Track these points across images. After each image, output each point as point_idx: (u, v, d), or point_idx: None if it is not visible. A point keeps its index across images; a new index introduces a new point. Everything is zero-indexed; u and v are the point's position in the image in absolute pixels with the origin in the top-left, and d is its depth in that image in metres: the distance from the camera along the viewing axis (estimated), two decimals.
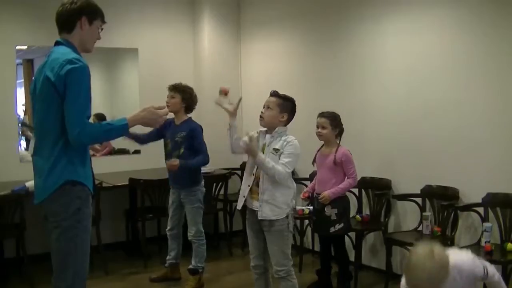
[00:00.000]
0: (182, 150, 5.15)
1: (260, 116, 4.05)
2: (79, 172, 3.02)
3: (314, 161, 4.92)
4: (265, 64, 6.89)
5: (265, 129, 4.07)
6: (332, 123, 4.81)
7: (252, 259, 4.15)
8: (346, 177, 4.82)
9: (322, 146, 4.96)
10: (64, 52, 3.03)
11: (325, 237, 5.00)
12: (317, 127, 4.87)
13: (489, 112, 4.50)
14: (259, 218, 3.92)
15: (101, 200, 5.61)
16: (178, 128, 5.21)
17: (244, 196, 4.04)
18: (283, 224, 3.92)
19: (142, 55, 6.86)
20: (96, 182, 5.59)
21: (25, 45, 6.29)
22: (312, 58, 6.18)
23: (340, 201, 4.79)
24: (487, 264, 2.87)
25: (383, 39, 5.33)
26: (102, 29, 3.28)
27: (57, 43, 3.18)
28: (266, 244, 4.03)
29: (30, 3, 6.14)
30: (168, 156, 5.23)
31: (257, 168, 3.97)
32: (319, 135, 4.88)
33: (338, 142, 4.87)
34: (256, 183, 3.98)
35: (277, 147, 3.91)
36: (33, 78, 3.24)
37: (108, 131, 3.07)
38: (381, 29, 5.34)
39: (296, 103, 4.07)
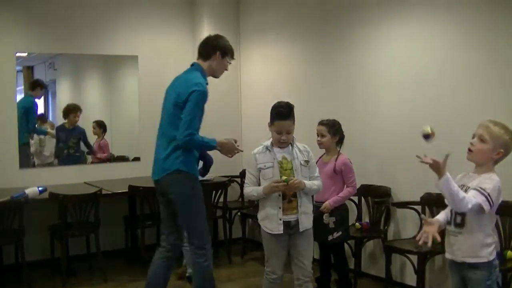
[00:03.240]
0: None
1: (282, 142, 4.02)
2: (187, 162, 4.09)
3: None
4: (265, 70, 6.90)
5: (269, 143, 4.08)
6: (331, 130, 4.80)
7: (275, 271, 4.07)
8: (346, 186, 4.81)
9: (323, 154, 4.94)
10: (195, 76, 4.11)
11: (324, 245, 4.97)
12: (317, 135, 4.87)
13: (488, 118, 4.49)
14: (301, 230, 3.97)
15: (101, 207, 5.60)
16: None
17: (280, 219, 3.96)
18: (310, 225, 4.13)
19: (142, 62, 6.86)
20: (95, 189, 5.62)
21: (25, 52, 6.31)
22: (312, 64, 6.19)
23: (338, 209, 4.76)
24: (475, 198, 2.99)
25: (384, 45, 5.33)
26: (230, 63, 4.38)
27: (192, 65, 4.29)
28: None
29: (31, 10, 6.15)
30: None
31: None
32: (319, 144, 4.88)
33: (338, 149, 4.86)
34: (288, 200, 3.97)
35: (306, 159, 4.10)
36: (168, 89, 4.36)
37: (205, 145, 4.15)
38: (382, 35, 5.34)
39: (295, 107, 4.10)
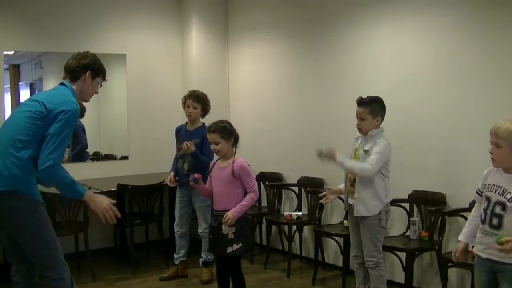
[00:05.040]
0: None
1: (358, 128, 4.43)
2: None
3: (209, 173, 4.55)
4: (252, 69, 6.90)
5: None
6: (224, 136, 4.32)
7: (352, 249, 4.64)
8: (247, 192, 4.36)
9: (218, 159, 4.49)
10: (67, 93, 3.52)
11: (222, 258, 4.44)
12: (211, 143, 4.42)
13: (476, 118, 4.53)
14: (355, 215, 4.38)
15: (89, 205, 5.58)
16: (193, 134, 5.46)
17: (346, 200, 4.52)
18: (375, 219, 4.34)
19: (130, 61, 6.85)
20: (85, 187, 5.58)
21: (12, 51, 6.27)
22: (300, 63, 6.20)
23: (239, 218, 4.26)
24: None
25: (372, 44, 5.35)
26: (101, 85, 3.79)
27: (61, 84, 3.62)
28: None
29: (17, 8, 6.11)
30: (179, 160, 5.50)
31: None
32: (216, 152, 4.42)
33: (234, 151, 4.40)
34: (351, 184, 4.42)
35: (367, 148, 4.32)
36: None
37: (68, 185, 3.41)
38: (370, 34, 5.36)
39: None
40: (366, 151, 4.29)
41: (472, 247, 4.22)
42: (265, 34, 6.65)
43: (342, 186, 4.58)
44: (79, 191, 3.44)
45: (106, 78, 3.83)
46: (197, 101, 5.47)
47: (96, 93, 3.79)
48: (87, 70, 3.63)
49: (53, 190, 5.21)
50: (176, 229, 5.61)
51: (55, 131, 3.33)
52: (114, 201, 3.59)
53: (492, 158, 3.15)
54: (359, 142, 4.45)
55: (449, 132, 4.75)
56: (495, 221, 3.07)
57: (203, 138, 5.24)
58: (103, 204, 3.52)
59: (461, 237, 3.37)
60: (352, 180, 4.41)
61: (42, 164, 3.30)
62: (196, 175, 4.40)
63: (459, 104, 4.66)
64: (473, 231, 3.29)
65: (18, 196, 3.35)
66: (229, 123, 4.43)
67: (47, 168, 3.30)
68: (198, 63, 7.04)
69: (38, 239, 3.42)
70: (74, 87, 3.61)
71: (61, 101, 3.42)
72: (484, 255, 3.15)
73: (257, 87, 6.79)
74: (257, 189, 4.41)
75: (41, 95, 3.66)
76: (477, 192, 3.33)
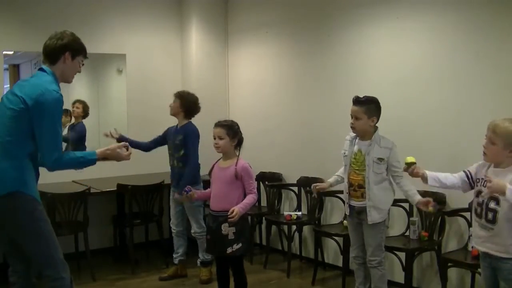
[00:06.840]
0: (182, 152, 5.43)
1: (352, 127, 4.36)
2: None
3: (210, 173, 4.54)
4: (252, 69, 6.90)
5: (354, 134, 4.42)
6: (229, 133, 4.32)
7: (352, 250, 4.60)
8: (247, 192, 4.34)
9: (219, 159, 4.48)
10: (46, 80, 3.42)
11: (222, 259, 4.44)
12: (214, 138, 4.39)
13: (476, 117, 4.53)
14: (369, 223, 4.31)
15: (89, 205, 5.59)
16: (178, 131, 5.52)
17: (347, 202, 4.46)
18: (382, 220, 4.35)
19: (130, 61, 6.84)
20: (84, 187, 5.60)
21: (12, 51, 6.26)
22: (299, 63, 6.20)
23: (238, 219, 4.21)
24: None
25: (371, 44, 5.35)
26: (83, 64, 3.66)
27: (41, 69, 3.53)
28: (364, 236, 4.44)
29: (17, 8, 6.11)
30: (170, 157, 5.57)
31: (349, 175, 4.39)
32: (217, 147, 4.38)
33: (238, 153, 4.39)
34: (353, 189, 4.37)
35: (380, 156, 4.27)
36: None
37: (80, 163, 3.60)
38: (370, 34, 5.36)
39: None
40: (380, 159, 4.26)
41: (472, 247, 4.27)
42: (265, 34, 6.64)
43: (332, 179, 4.59)
44: (91, 160, 3.56)
45: (87, 56, 3.68)
46: (176, 96, 5.56)
47: (79, 72, 3.66)
48: (66, 50, 3.51)
49: (53, 190, 5.29)
50: (172, 227, 5.63)
51: (44, 126, 3.32)
52: (126, 144, 3.75)
53: (484, 152, 3.21)
54: (358, 146, 4.37)
55: (449, 131, 4.74)
56: (490, 215, 3.14)
57: (186, 134, 5.41)
58: (119, 158, 3.68)
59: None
60: (356, 186, 4.36)
61: (47, 162, 3.36)
62: (186, 188, 4.43)
63: (459, 104, 4.66)
64: (441, 175, 3.54)
65: (15, 197, 3.32)
66: (237, 125, 4.43)
67: (54, 164, 3.37)
68: (198, 63, 7.05)
69: (37, 239, 3.41)
70: (54, 70, 3.50)
71: (40, 93, 3.31)
72: (482, 249, 3.22)
73: (257, 87, 6.79)
74: (257, 192, 4.41)
75: (21, 88, 3.44)
76: (464, 171, 3.45)
